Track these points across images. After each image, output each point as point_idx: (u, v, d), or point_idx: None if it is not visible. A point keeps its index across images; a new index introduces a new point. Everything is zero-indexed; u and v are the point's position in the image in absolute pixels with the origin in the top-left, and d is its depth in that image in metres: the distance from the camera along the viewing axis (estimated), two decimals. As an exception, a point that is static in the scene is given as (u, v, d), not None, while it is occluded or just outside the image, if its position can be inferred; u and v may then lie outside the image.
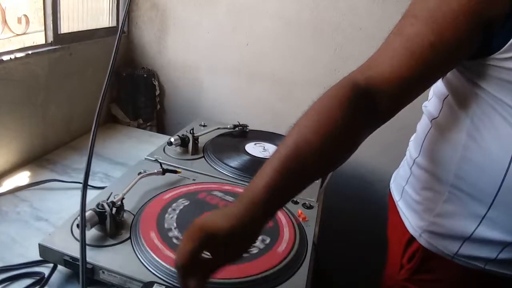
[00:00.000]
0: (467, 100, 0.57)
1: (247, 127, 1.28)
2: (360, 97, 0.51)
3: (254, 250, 0.71)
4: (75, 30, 1.25)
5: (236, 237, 0.47)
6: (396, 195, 0.76)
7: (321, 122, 0.50)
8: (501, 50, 0.48)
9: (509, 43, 0.47)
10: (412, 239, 0.68)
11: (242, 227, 0.47)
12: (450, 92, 0.62)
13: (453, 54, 0.51)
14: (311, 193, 0.95)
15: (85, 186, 0.54)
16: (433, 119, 0.66)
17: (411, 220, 0.68)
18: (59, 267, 0.69)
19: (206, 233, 0.46)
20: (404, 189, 0.73)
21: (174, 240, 0.71)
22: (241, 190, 0.89)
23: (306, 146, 0.49)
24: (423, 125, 0.70)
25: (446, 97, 0.63)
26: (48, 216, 0.87)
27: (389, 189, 0.81)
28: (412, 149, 0.72)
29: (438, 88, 0.66)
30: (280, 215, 0.83)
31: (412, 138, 0.75)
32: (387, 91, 0.51)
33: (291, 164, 0.48)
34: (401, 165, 0.79)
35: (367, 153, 1.36)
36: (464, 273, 0.63)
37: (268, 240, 0.75)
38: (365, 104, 0.51)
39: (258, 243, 0.73)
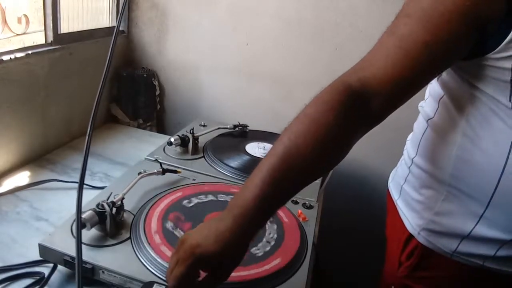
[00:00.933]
0: (463, 100, 0.57)
1: (247, 127, 1.28)
2: (353, 99, 0.50)
3: (261, 252, 0.72)
4: (75, 30, 1.25)
5: (227, 258, 0.49)
6: (394, 194, 0.76)
7: (313, 129, 0.49)
8: (497, 50, 0.48)
9: (504, 42, 0.47)
10: (410, 237, 0.68)
11: (231, 248, 0.48)
12: (445, 92, 0.62)
13: (447, 54, 0.51)
14: (311, 193, 0.95)
15: (81, 186, 0.54)
16: (429, 119, 0.66)
17: (410, 219, 0.68)
18: (59, 267, 0.69)
19: (196, 258, 0.47)
20: (402, 188, 0.73)
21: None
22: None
23: (297, 155, 0.48)
24: (419, 125, 0.70)
25: (441, 97, 0.63)
26: (48, 216, 0.87)
27: (387, 188, 0.81)
28: (410, 148, 0.72)
29: (433, 88, 0.66)
30: (288, 221, 0.83)
31: (409, 137, 0.75)
32: (381, 92, 0.51)
33: (281, 175, 0.48)
34: (399, 164, 0.79)
35: (367, 153, 1.36)
36: (463, 269, 0.63)
37: (273, 243, 0.75)
38: (358, 107, 0.51)
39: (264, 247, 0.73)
